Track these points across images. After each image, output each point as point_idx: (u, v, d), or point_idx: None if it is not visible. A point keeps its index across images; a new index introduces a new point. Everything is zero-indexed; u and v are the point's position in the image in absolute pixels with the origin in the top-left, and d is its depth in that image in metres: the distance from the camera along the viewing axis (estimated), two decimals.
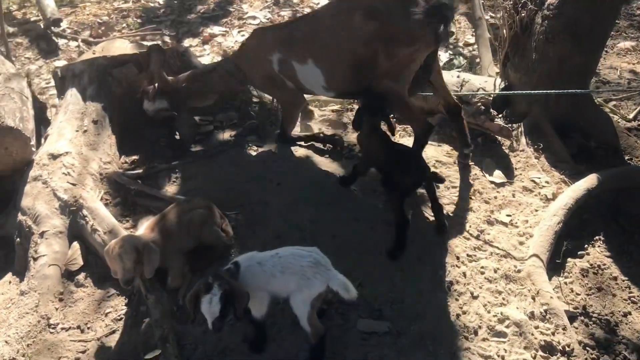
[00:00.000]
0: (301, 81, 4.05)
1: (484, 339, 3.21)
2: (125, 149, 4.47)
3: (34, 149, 4.04)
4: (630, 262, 3.81)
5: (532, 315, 3.34)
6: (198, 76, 4.46)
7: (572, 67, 4.58)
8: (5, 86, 4.10)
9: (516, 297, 3.46)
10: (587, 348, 3.30)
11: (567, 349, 3.18)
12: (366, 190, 4.05)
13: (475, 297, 3.41)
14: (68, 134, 4.10)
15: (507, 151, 4.54)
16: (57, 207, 3.72)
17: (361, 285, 3.37)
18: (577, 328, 3.42)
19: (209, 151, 4.40)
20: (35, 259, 3.51)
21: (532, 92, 4.52)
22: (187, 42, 6.85)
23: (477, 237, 3.80)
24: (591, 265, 3.75)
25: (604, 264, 3.76)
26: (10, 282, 3.60)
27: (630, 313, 3.51)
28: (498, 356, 3.12)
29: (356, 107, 4.41)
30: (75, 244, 3.63)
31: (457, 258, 3.62)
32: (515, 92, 4.78)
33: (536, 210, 4.03)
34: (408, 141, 4.51)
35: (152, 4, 7.82)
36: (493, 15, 6.85)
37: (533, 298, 3.44)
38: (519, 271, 3.59)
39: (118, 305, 3.39)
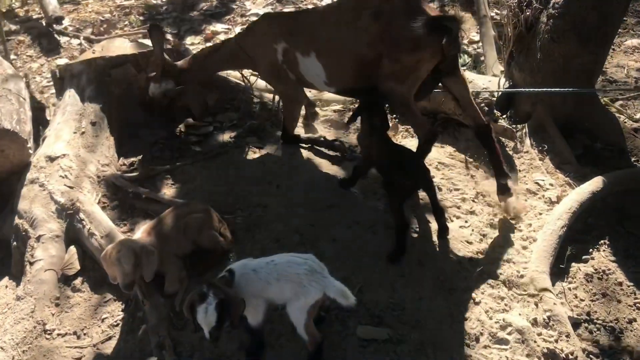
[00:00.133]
0: (303, 73, 4.00)
1: (485, 346, 3.15)
2: (124, 150, 4.42)
3: (31, 152, 4.00)
4: (636, 267, 3.74)
5: (535, 322, 3.28)
6: (200, 57, 4.40)
7: (577, 66, 4.50)
8: (3, 87, 4.06)
9: (519, 303, 3.40)
10: (591, 356, 3.25)
11: (570, 356, 3.12)
12: (367, 192, 4.00)
13: (477, 303, 3.35)
14: (66, 136, 4.06)
15: (511, 153, 4.46)
16: (53, 210, 3.68)
17: (361, 291, 3.34)
18: (580, 335, 3.36)
19: (208, 153, 4.34)
20: (31, 264, 3.48)
21: (536, 89, 4.46)
22: (189, 40, 6.80)
23: (480, 241, 3.73)
24: (596, 270, 3.69)
25: (609, 269, 3.69)
26: (6, 287, 3.57)
27: (635, 320, 3.45)
28: None
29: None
30: (72, 248, 3.59)
31: (459, 263, 3.55)
32: (519, 89, 4.71)
33: (540, 214, 3.97)
34: (411, 142, 4.46)
35: (154, 1, 7.77)
36: (498, 12, 6.77)
37: (536, 304, 3.38)
38: (522, 276, 3.53)
39: (115, 311, 3.35)
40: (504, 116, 4.74)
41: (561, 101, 4.58)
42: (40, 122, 4.61)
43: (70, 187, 3.76)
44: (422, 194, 3.89)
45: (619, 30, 5.95)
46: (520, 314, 3.32)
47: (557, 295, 3.49)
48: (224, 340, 3.10)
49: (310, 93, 4.79)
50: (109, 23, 7.22)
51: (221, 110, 4.79)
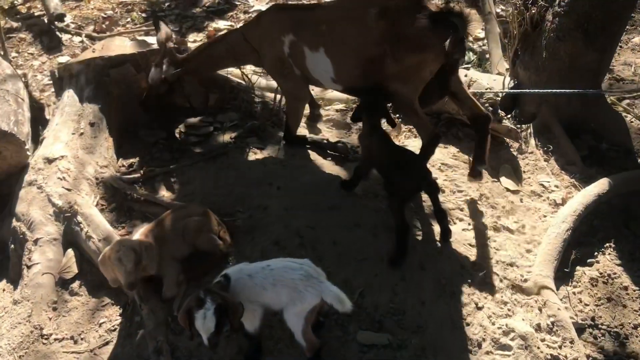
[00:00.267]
0: (309, 69, 3.93)
1: (487, 352, 3.11)
2: (123, 151, 4.37)
3: (29, 153, 3.96)
4: None
5: (538, 328, 3.24)
6: (205, 48, 4.35)
7: (583, 65, 4.44)
8: (1, 88, 4.02)
9: (522, 308, 3.35)
10: None
11: None
12: (368, 194, 3.94)
13: (479, 308, 3.30)
14: (64, 137, 4.02)
15: (515, 153, 4.40)
16: (51, 213, 3.65)
17: (362, 295, 3.30)
18: (585, 341, 3.32)
19: (208, 154, 4.29)
20: (28, 267, 3.45)
21: (541, 90, 4.39)
22: (191, 37, 6.75)
23: (483, 245, 3.67)
24: (601, 274, 3.64)
25: (615, 273, 3.64)
26: (4, 290, 3.53)
27: None
28: None
29: None
30: (70, 252, 3.55)
31: (462, 266, 3.50)
32: (524, 90, 4.64)
33: (545, 216, 3.92)
34: (413, 142, 4.41)
35: None
36: (504, 8, 6.70)
37: (540, 309, 3.33)
38: (525, 281, 3.48)
39: (112, 315, 3.32)
40: (509, 116, 4.67)
41: (566, 101, 4.52)
42: (40, 121, 4.57)
43: (68, 190, 3.72)
44: (424, 196, 3.83)
45: (627, 27, 5.87)
46: (523, 319, 3.27)
47: (561, 299, 3.44)
48: (222, 345, 3.06)
49: (313, 92, 4.73)
50: (111, 20, 7.17)
51: (222, 110, 4.73)
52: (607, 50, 4.48)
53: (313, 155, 4.27)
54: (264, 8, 7.25)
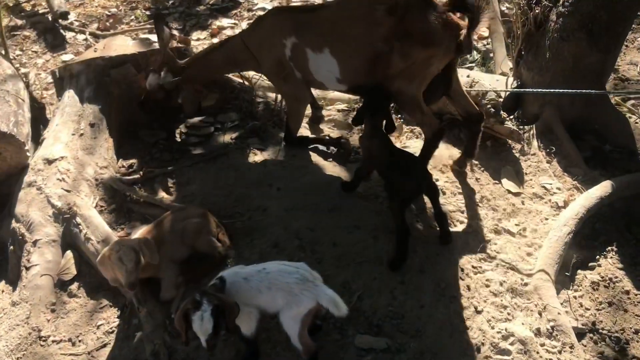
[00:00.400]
0: (312, 71, 3.91)
1: (486, 357, 3.09)
2: (123, 151, 4.36)
3: (28, 154, 3.96)
4: None
5: (538, 332, 3.21)
6: (203, 55, 4.32)
7: (587, 66, 4.40)
8: (1, 88, 4.01)
9: (522, 312, 3.33)
10: None
11: None
12: (369, 195, 3.92)
13: (479, 312, 3.28)
14: (64, 138, 4.01)
15: (517, 155, 4.36)
16: (50, 214, 3.64)
17: (360, 298, 3.29)
18: (585, 346, 3.28)
19: (208, 154, 4.27)
20: (27, 269, 3.45)
21: (542, 90, 4.36)
22: (195, 35, 6.73)
23: (483, 248, 3.65)
24: (602, 277, 3.60)
25: (616, 277, 3.61)
26: (3, 292, 3.54)
27: None
28: None
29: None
30: (69, 253, 3.56)
31: (462, 270, 3.48)
32: (526, 90, 4.61)
33: (546, 219, 3.88)
34: (416, 143, 4.38)
35: None
36: (509, 6, 6.64)
37: (540, 313, 3.30)
38: (525, 284, 3.45)
39: (110, 317, 3.32)
40: (511, 117, 4.63)
41: (570, 102, 4.48)
42: (41, 121, 4.57)
43: (68, 191, 3.72)
44: (425, 198, 3.81)
45: (633, 26, 5.80)
46: (523, 324, 3.24)
47: (562, 304, 3.41)
48: (220, 348, 3.06)
49: (315, 92, 4.71)
50: (115, 18, 7.16)
51: (222, 111, 4.72)
52: (611, 51, 4.44)
53: (313, 156, 4.26)
54: (268, 6, 7.25)
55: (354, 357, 3.02)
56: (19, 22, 7.13)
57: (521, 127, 4.55)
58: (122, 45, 4.74)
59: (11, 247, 3.64)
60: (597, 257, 3.72)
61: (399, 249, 3.42)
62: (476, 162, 4.23)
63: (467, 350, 3.09)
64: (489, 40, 6.11)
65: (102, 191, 3.91)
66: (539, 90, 4.43)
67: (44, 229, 3.59)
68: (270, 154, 4.31)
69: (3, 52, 4.85)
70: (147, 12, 7.27)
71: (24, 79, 4.61)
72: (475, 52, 6.16)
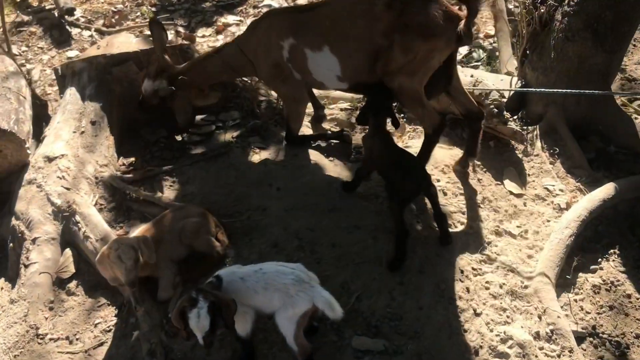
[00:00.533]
0: (311, 71, 3.87)
1: None
2: (124, 149, 4.37)
3: (29, 151, 3.97)
4: None
5: (537, 336, 3.19)
6: (199, 61, 4.28)
7: (592, 66, 4.35)
8: (2, 86, 4.03)
9: (521, 315, 3.30)
10: None
11: None
12: (370, 195, 3.90)
13: (478, 314, 3.26)
14: (65, 135, 4.02)
15: (520, 156, 4.32)
16: (50, 212, 3.65)
17: (359, 299, 3.27)
18: (585, 350, 3.25)
19: (209, 153, 4.27)
20: (26, 266, 3.45)
21: (545, 90, 4.32)
22: (200, 32, 6.73)
23: (484, 250, 3.62)
24: (604, 281, 3.56)
25: (618, 280, 3.57)
26: (2, 289, 3.55)
27: None
28: None
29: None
30: (68, 251, 3.56)
31: (461, 271, 3.45)
32: (529, 89, 4.57)
33: (548, 221, 3.84)
34: (418, 142, 4.34)
35: None
36: (517, 4, 6.58)
37: (539, 317, 3.28)
38: (526, 287, 3.42)
39: (108, 316, 3.32)
40: (515, 118, 4.58)
41: (574, 102, 4.43)
42: (43, 118, 4.58)
43: (67, 189, 3.73)
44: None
45: None
46: (522, 327, 3.22)
47: (562, 307, 3.38)
48: (216, 348, 3.06)
49: (317, 91, 4.69)
50: (120, 14, 7.16)
51: (224, 109, 4.70)
52: (616, 51, 4.38)
53: (314, 156, 4.23)
54: (274, 3, 7.24)
55: (350, 358, 3.01)
56: (26, 18, 7.16)
57: (525, 127, 4.50)
58: (125, 42, 4.73)
59: (11, 245, 3.66)
60: (599, 260, 3.68)
61: (398, 250, 3.40)
62: (478, 163, 4.19)
63: (465, 353, 3.07)
64: (495, 38, 6.07)
65: (102, 189, 3.92)
66: (542, 90, 4.39)
67: (44, 226, 3.59)
68: (272, 153, 4.29)
69: (6, 49, 4.86)
70: (153, 9, 7.27)
71: (27, 76, 4.62)
72: (481, 51, 6.12)
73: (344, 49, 3.69)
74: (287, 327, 2.76)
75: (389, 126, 3.85)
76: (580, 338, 3.29)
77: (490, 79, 4.58)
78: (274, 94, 4.79)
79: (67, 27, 6.93)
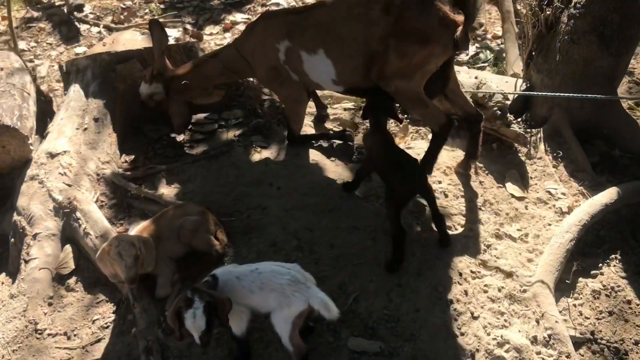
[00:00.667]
0: (308, 73, 3.86)
1: None
2: (127, 146, 4.39)
3: (32, 148, 3.99)
4: None
5: (534, 340, 3.17)
6: (197, 65, 4.26)
7: (597, 69, 4.31)
8: (7, 82, 4.06)
9: (519, 319, 3.28)
10: None
11: None
12: (370, 197, 3.90)
13: (475, 318, 3.24)
14: (68, 132, 4.04)
15: (523, 159, 4.30)
16: (51, 208, 3.67)
17: (356, 300, 3.27)
18: (582, 355, 3.23)
19: (210, 152, 4.27)
20: (26, 262, 3.48)
21: (548, 94, 4.29)
22: (207, 30, 6.74)
23: (483, 252, 3.60)
24: (604, 286, 3.53)
25: (618, 286, 3.54)
26: (2, 283, 3.57)
27: None
28: None
29: None
30: (68, 247, 3.58)
31: (460, 274, 3.44)
32: (531, 92, 4.54)
33: (549, 225, 3.82)
34: (421, 144, 4.34)
35: None
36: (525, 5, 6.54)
37: (537, 321, 3.26)
38: (524, 291, 3.40)
39: (106, 312, 3.34)
40: (519, 120, 4.55)
41: (579, 105, 4.39)
42: (49, 114, 4.60)
43: (69, 185, 3.75)
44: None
45: None
46: (519, 331, 3.20)
47: (560, 312, 3.36)
48: (212, 347, 3.07)
49: (320, 92, 4.69)
50: (129, 11, 7.19)
51: (227, 107, 4.71)
52: (623, 55, 4.33)
53: (316, 156, 4.23)
54: (282, 2, 7.24)
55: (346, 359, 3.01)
56: (35, 14, 7.20)
57: (529, 129, 4.47)
58: (131, 40, 4.76)
59: (12, 240, 3.68)
60: (600, 265, 3.66)
61: (396, 251, 3.40)
62: (481, 165, 4.17)
63: (461, 356, 3.06)
64: (503, 39, 6.04)
65: (104, 186, 3.94)
66: (545, 94, 4.36)
67: (44, 222, 3.61)
68: (273, 152, 4.29)
69: (12, 45, 4.89)
70: (162, 6, 7.29)
71: (32, 72, 4.64)
72: (488, 52, 6.10)
73: (339, 53, 3.66)
74: (283, 327, 2.76)
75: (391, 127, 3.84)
76: (578, 343, 3.26)
77: (494, 80, 4.57)
78: (268, 90, 4.79)
79: (76, 23, 6.97)
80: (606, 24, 4.16)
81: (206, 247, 3.42)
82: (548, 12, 4.47)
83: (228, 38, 6.53)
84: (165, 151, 4.34)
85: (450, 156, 4.24)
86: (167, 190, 3.96)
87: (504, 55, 5.80)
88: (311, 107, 4.63)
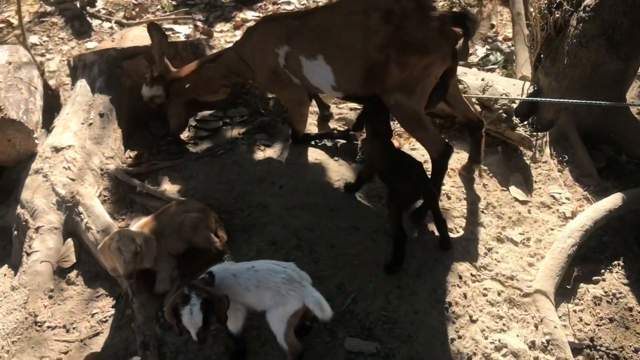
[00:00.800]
0: (307, 78, 3.82)
1: None
2: (132, 142, 4.42)
3: (37, 141, 4.03)
4: None
5: (532, 345, 3.15)
6: (198, 68, 4.25)
7: (606, 74, 4.28)
8: (14, 76, 4.10)
9: (518, 323, 3.26)
10: None
11: None
12: (371, 197, 3.89)
13: (473, 321, 3.23)
14: (73, 127, 4.08)
15: (528, 162, 4.27)
16: (54, 202, 3.71)
17: (354, 301, 3.26)
18: None
19: (214, 149, 4.29)
20: (28, 254, 3.51)
21: (552, 99, 4.27)
22: (218, 27, 6.76)
23: (484, 256, 3.59)
24: (605, 292, 3.50)
25: (620, 293, 3.51)
26: (5, 275, 3.61)
27: None
28: None
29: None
30: (69, 241, 3.61)
31: (460, 277, 3.42)
32: (536, 98, 4.51)
33: (552, 229, 3.79)
34: (422, 150, 4.30)
35: None
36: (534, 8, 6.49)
37: (536, 326, 3.24)
38: (524, 295, 3.38)
39: (105, 307, 3.37)
40: (525, 123, 4.52)
41: (587, 109, 4.35)
42: (56, 109, 4.64)
43: (72, 180, 3.78)
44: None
45: None
46: (518, 335, 3.19)
47: (560, 317, 3.34)
48: (209, 343, 3.08)
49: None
50: (141, 7, 7.23)
51: (232, 105, 4.72)
52: (632, 59, 4.29)
53: (319, 155, 4.23)
54: (294, 0, 7.24)
55: None
56: (49, 8, 7.26)
57: (535, 133, 4.44)
58: (140, 36, 4.77)
59: (15, 233, 3.71)
60: (602, 271, 3.62)
61: (396, 253, 3.39)
62: (485, 168, 4.15)
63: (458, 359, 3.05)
64: (513, 42, 6.00)
65: (107, 181, 3.96)
66: (549, 99, 4.34)
67: (47, 216, 3.65)
68: (277, 151, 4.30)
69: (22, 39, 4.94)
70: (173, 2, 7.32)
71: (40, 67, 4.69)
72: (498, 54, 6.06)
73: (338, 59, 3.61)
74: (278, 326, 2.77)
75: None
76: (577, 349, 3.24)
77: (501, 83, 4.53)
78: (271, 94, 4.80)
79: (88, 18, 7.02)
80: (615, 28, 4.12)
81: (206, 244, 3.43)
82: (557, 15, 4.44)
83: (238, 36, 6.52)
84: (170, 148, 4.36)
85: (455, 158, 4.20)
86: (170, 187, 3.97)
87: (514, 57, 5.77)
88: (315, 105, 4.63)
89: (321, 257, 3.47)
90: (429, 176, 3.57)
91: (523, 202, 3.98)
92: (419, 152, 4.14)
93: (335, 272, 3.40)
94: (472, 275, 3.46)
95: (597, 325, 3.37)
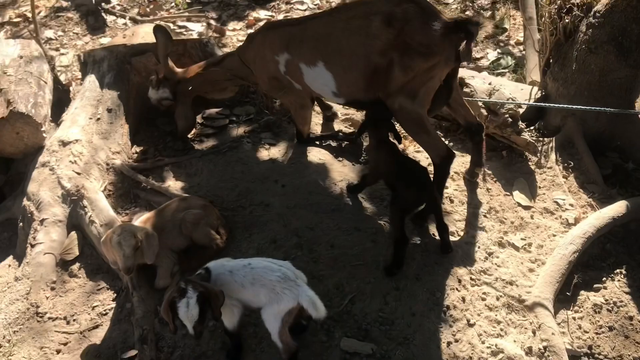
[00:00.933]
0: (308, 85, 3.83)
1: None
2: (139, 138, 4.47)
3: (45, 135, 4.08)
4: None
5: (529, 351, 3.14)
6: (202, 71, 4.29)
7: (614, 80, 4.23)
8: (25, 70, 4.16)
9: (515, 329, 3.25)
10: None
11: None
12: (374, 198, 3.90)
13: (471, 325, 3.23)
14: (81, 121, 4.13)
15: (533, 167, 4.25)
16: (59, 195, 3.76)
17: (352, 301, 3.27)
18: None
19: (219, 147, 4.32)
20: (32, 246, 3.56)
21: (558, 105, 4.25)
22: (231, 26, 6.80)
23: (485, 260, 3.58)
24: (606, 300, 3.48)
25: (621, 301, 3.48)
26: (9, 266, 3.67)
27: None
28: None
29: None
30: (73, 234, 3.66)
31: (459, 281, 3.42)
32: (541, 104, 4.48)
33: (554, 235, 3.77)
34: (425, 154, 4.30)
35: None
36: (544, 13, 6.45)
37: (534, 332, 3.23)
38: (523, 301, 3.37)
39: (106, 300, 3.41)
40: (531, 128, 4.50)
41: (594, 115, 4.31)
42: (66, 103, 4.69)
43: (78, 173, 3.83)
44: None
45: None
46: (515, 341, 3.18)
47: (559, 324, 3.32)
48: (206, 339, 3.11)
49: None
50: (155, 4, 7.29)
51: (240, 103, 4.75)
52: None
53: (323, 155, 4.24)
54: (307, 1, 7.26)
55: None
56: (64, 3, 7.35)
57: (541, 138, 4.42)
58: (150, 33, 4.79)
59: (20, 224, 3.77)
60: (604, 278, 3.59)
61: (396, 256, 3.39)
62: (489, 172, 4.15)
63: None
64: (524, 46, 5.97)
65: (112, 176, 4.01)
66: (554, 105, 4.31)
67: (52, 208, 3.70)
68: (281, 150, 4.32)
69: (34, 33, 5.00)
70: (187, 0, 7.37)
71: (51, 61, 4.74)
72: (509, 58, 6.04)
73: (339, 65, 3.59)
74: (272, 324, 2.79)
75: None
76: (575, 357, 3.22)
77: (509, 87, 4.51)
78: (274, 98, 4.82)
79: (103, 14, 7.10)
80: (625, 34, 4.08)
81: (207, 241, 3.46)
82: (567, 20, 4.41)
83: None
84: (176, 144, 4.40)
85: (459, 162, 4.21)
86: (174, 183, 4.01)
87: (524, 62, 5.74)
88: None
89: (321, 257, 3.49)
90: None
91: (526, 208, 3.97)
92: (423, 155, 4.14)
93: (334, 272, 3.41)
94: (471, 279, 3.46)
95: (597, 333, 3.35)
